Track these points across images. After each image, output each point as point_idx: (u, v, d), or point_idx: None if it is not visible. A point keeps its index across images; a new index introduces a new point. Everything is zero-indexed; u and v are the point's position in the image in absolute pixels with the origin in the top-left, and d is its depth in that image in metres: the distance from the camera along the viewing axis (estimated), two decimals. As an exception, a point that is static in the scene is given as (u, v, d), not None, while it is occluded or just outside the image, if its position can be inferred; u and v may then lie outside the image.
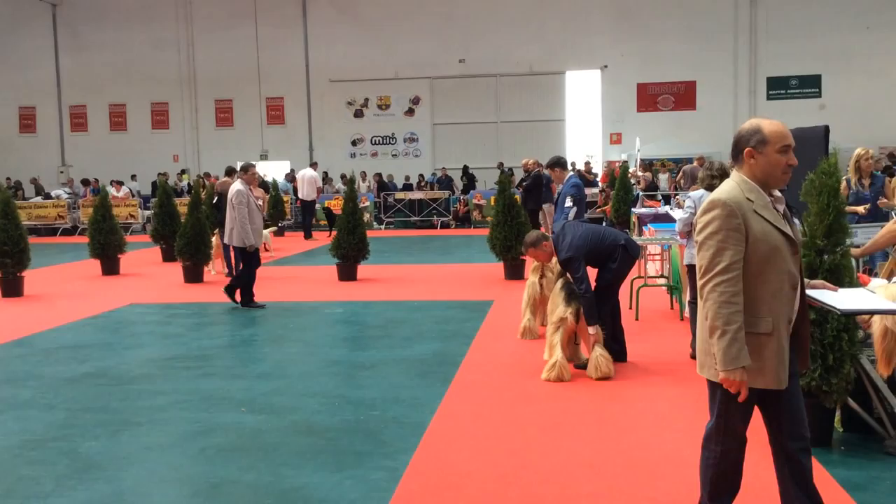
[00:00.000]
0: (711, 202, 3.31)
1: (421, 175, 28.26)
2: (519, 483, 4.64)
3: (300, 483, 4.71)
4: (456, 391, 6.58)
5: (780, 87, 28.02)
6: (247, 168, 11.06)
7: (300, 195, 21.62)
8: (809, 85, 27.80)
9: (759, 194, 3.33)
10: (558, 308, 6.95)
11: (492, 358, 7.71)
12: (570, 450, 5.17)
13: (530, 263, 8.69)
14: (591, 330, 6.81)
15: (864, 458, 4.88)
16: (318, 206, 23.50)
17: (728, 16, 27.87)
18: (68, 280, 14.15)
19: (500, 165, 28.01)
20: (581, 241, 6.99)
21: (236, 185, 10.76)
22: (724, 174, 7.41)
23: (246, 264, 10.80)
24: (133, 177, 28.85)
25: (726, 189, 3.35)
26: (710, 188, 7.28)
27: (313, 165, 23.47)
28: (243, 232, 10.51)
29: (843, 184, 9.60)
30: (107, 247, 14.65)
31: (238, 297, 10.84)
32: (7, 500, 4.58)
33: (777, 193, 3.42)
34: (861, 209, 8.98)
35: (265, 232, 17.38)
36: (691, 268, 7.36)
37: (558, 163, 10.41)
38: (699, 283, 3.34)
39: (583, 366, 7.01)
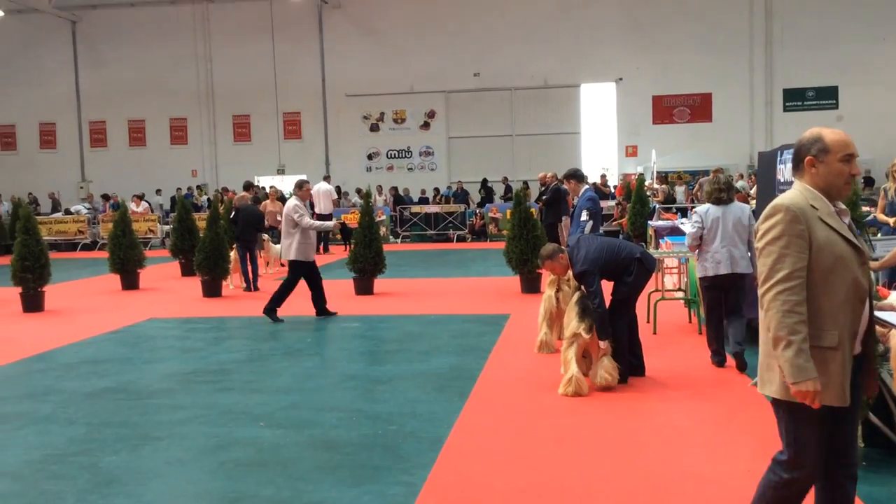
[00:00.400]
0: (774, 207, 3.18)
1: (436, 189, 28.34)
2: (537, 498, 4.63)
3: (318, 498, 4.73)
4: (473, 406, 6.58)
5: (796, 98, 27.93)
6: (301, 185, 11.44)
7: (316, 209, 21.57)
8: (826, 96, 27.70)
9: (823, 202, 3.20)
10: (572, 323, 6.94)
11: (509, 372, 7.70)
12: (589, 465, 5.16)
13: (547, 277, 8.68)
14: (601, 344, 6.79)
15: (886, 474, 4.83)
16: (334, 219, 23.56)
17: (743, 27, 27.84)
18: (88, 295, 14.27)
19: (505, 180, 28.08)
20: (596, 255, 6.98)
21: (293, 201, 10.99)
22: (730, 188, 7.62)
23: (298, 280, 10.90)
24: (158, 191, 29.05)
25: (789, 195, 3.24)
26: (718, 202, 7.46)
27: (326, 179, 23.32)
28: (307, 247, 10.83)
29: (882, 193, 9.52)
30: (126, 262, 14.78)
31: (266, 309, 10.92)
32: (29, 515, 4.63)
33: (842, 206, 3.29)
34: (892, 221, 8.86)
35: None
36: (701, 280, 7.59)
37: (574, 175, 10.53)
38: (760, 291, 3.19)
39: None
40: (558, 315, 8.34)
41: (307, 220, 10.79)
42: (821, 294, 3.13)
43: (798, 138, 3.35)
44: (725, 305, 7.46)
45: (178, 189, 28.29)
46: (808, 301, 3.11)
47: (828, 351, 3.14)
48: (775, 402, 3.27)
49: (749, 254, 7.30)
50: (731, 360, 7.50)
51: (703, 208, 7.58)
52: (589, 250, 7.01)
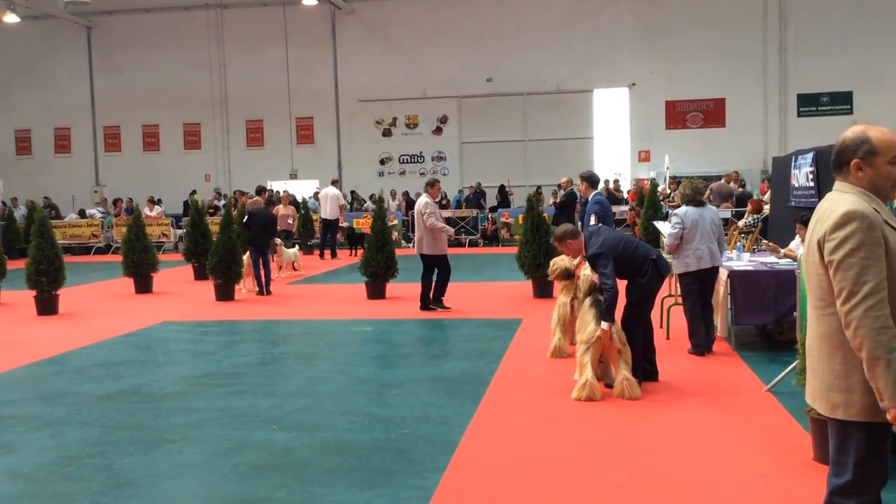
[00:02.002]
0: (847, 215, 2.91)
1: (444, 193, 28.28)
2: (550, 503, 4.62)
3: (331, 501, 4.73)
4: (486, 410, 6.57)
5: (810, 103, 27.78)
6: (433, 183, 11.92)
7: (323, 214, 21.46)
8: (841, 101, 27.54)
9: (881, 206, 3.00)
10: (588, 326, 6.92)
11: (521, 377, 7.69)
12: (602, 470, 5.14)
13: (559, 284, 8.67)
14: (603, 325, 6.75)
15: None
16: (345, 224, 23.59)
17: (757, 32, 27.74)
18: (102, 298, 14.35)
19: (502, 188, 28.02)
20: (613, 243, 7.01)
21: (423, 199, 11.66)
22: (702, 192, 8.53)
23: (441, 271, 11.75)
24: (193, 192, 28.90)
25: (853, 200, 2.97)
26: (697, 204, 8.31)
27: (335, 183, 22.74)
28: (436, 241, 11.54)
29: None
30: (140, 265, 14.86)
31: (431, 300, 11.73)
32: (43, 516, 4.65)
33: (887, 209, 3.07)
34: None
35: (294, 250, 17.56)
36: (679, 276, 8.35)
37: (589, 178, 10.95)
38: (844, 308, 2.89)
39: (613, 385, 6.97)
40: (572, 321, 8.32)
41: (431, 221, 11.39)
42: (894, 303, 2.90)
43: (841, 137, 3.14)
44: (702, 298, 8.18)
45: (193, 192, 28.32)
46: None
47: None
48: (843, 429, 3.03)
49: (720, 250, 8.23)
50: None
51: (682, 210, 8.30)
52: (607, 238, 7.05)
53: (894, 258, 2.92)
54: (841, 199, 3.03)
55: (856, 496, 3.05)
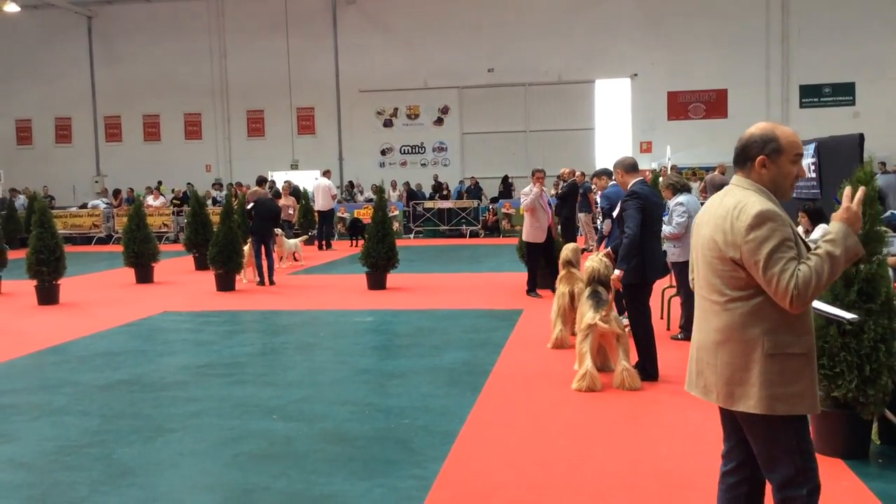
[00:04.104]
0: (761, 216, 2.95)
1: (445, 184, 28.26)
2: (549, 493, 4.62)
3: (331, 490, 4.73)
4: (486, 400, 6.57)
5: (813, 94, 27.71)
6: (534, 173, 12.23)
7: (315, 206, 21.40)
8: (843, 93, 27.46)
9: (779, 204, 3.07)
10: (586, 315, 6.91)
11: (522, 367, 7.69)
12: (601, 460, 5.14)
13: (560, 277, 8.67)
14: (616, 272, 6.79)
15: (901, 472, 4.79)
16: (346, 215, 23.57)
17: (760, 23, 27.64)
18: (103, 288, 14.35)
19: (506, 178, 27.99)
20: (653, 200, 7.07)
21: (529, 187, 11.91)
22: (685, 180, 8.74)
23: (528, 258, 12.05)
24: (217, 184, 28.82)
25: (758, 199, 3.02)
26: (689, 191, 8.56)
27: (326, 174, 22.70)
28: (531, 228, 11.71)
29: None
30: (141, 255, 14.86)
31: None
32: (43, 505, 4.66)
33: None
34: None
35: (296, 241, 17.55)
36: (675, 265, 8.40)
37: (604, 172, 10.73)
38: (785, 302, 2.91)
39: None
40: (572, 312, 8.33)
41: (524, 201, 11.75)
42: None
43: (748, 132, 3.15)
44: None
45: (189, 184, 28.30)
46: (779, 307, 2.97)
47: (801, 358, 3.04)
48: (754, 419, 3.07)
49: None
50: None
51: (684, 198, 8.37)
52: (650, 194, 7.09)
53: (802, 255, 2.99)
54: (747, 198, 3.05)
55: (804, 483, 3.07)
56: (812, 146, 10.29)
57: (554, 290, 11.14)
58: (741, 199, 3.05)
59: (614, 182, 10.59)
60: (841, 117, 26.03)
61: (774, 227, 2.94)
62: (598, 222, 11.38)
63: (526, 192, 11.80)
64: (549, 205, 11.88)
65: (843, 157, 9.22)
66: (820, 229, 8.24)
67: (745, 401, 3.06)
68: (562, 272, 8.56)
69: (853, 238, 2.96)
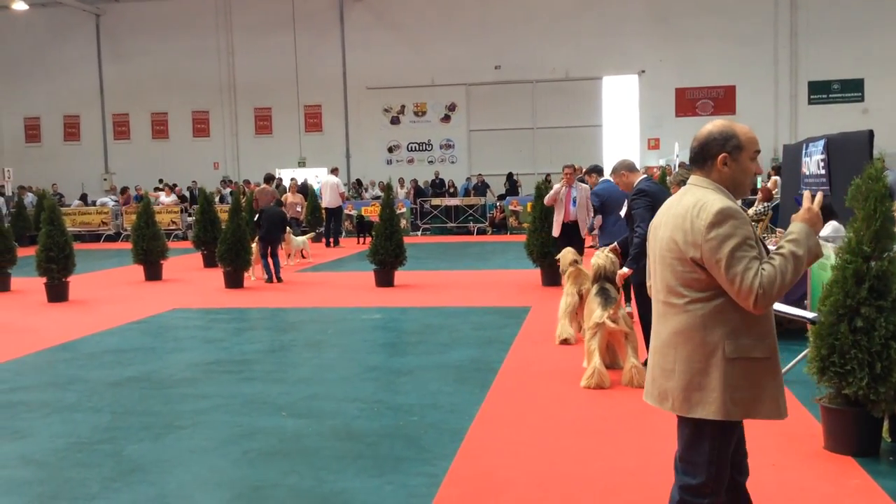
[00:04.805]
0: (721, 213, 2.89)
1: (451, 181, 28.27)
2: (559, 490, 4.62)
3: (340, 487, 4.74)
4: (494, 397, 6.57)
5: (821, 91, 27.61)
6: (593, 170, 12.16)
7: (323, 203, 21.43)
8: (852, 89, 27.36)
9: (737, 203, 3.03)
10: (595, 313, 6.91)
11: (530, 364, 7.69)
12: (611, 457, 5.13)
13: (566, 275, 8.66)
14: (625, 269, 6.81)
15: (912, 469, 4.77)
16: (354, 212, 23.59)
17: (768, 19, 27.54)
18: (112, 285, 14.40)
19: (510, 176, 28.01)
20: (657, 190, 6.96)
21: (583, 186, 11.92)
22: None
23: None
24: (224, 182, 28.81)
25: (717, 197, 2.97)
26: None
27: (334, 171, 22.74)
28: (554, 224, 11.83)
29: None
30: (150, 253, 14.90)
31: None
32: (55, 502, 4.67)
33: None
34: None
35: (304, 238, 17.58)
36: None
37: (594, 170, 10.91)
38: (748, 302, 2.86)
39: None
40: (580, 310, 8.30)
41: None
42: None
43: (706, 130, 3.10)
44: None
45: (194, 181, 28.34)
46: (742, 308, 2.92)
47: (763, 362, 2.98)
48: (699, 424, 3.02)
49: None
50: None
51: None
52: (658, 191, 6.99)
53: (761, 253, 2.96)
54: (706, 196, 3.00)
55: (708, 496, 3.07)
56: (821, 143, 10.24)
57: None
58: (700, 198, 2.99)
59: (604, 179, 10.68)
60: (850, 114, 25.93)
61: (736, 225, 2.88)
62: (590, 218, 11.44)
63: (585, 196, 11.91)
64: (574, 202, 11.76)
65: (852, 153, 9.17)
66: (829, 226, 8.20)
67: (704, 406, 2.99)
68: (569, 270, 8.52)
69: (814, 239, 2.95)
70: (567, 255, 8.70)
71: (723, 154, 3.04)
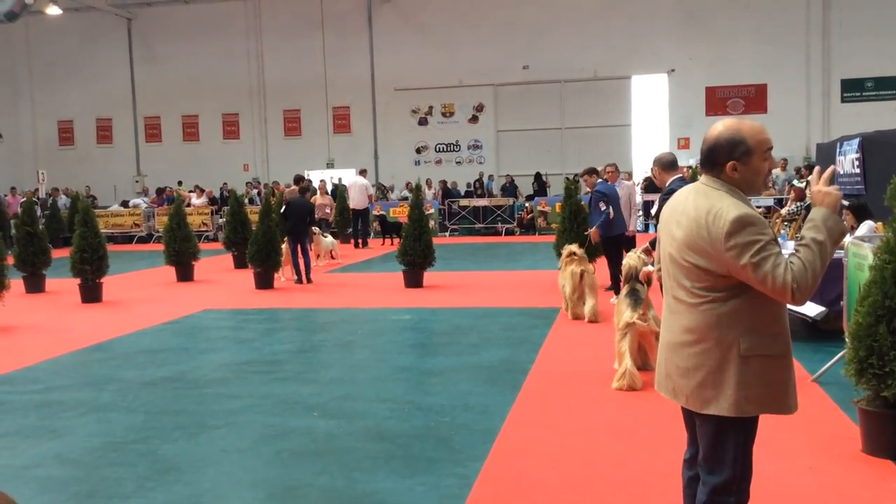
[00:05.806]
0: (739, 221, 2.85)
1: (479, 181, 28.23)
2: (591, 492, 4.59)
3: (372, 488, 4.75)
4: (525, 398, 6.55)
5: (855, 89, 27.20)
6: (593, 171, 12.28)
7: (351, 204, 21.50)
8: (886, 87, 26.93)
9: (749, 202, 3.02)
10: (625, 314, 6.86)
11: (561, 365, 7.65)
12: (643, 459, 5.09)
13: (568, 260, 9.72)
14: (650, 268, 6.86)
15: (954, 473, 4.68)
16: (382, 213, 23.65)
17: (800, 16, 27.20)
18: (145, 286, 14.57)
19: (538, 175, 27.96)
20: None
21: (626, 183, 12.42)
22: None
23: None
24: (251, 183, 29.01)
25: (732, 202, 2.94)
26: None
27: (362, 173, 22.80)
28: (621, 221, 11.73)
29: None
30: (181, 254, 15.05)
31: None
32: (91, 500, 4.73)
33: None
34: None
35: (331, 239, 17.66)
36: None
37: (592, 171, 11.51)
38: (786, 300, 2.85)
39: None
40: (580, 289, 9.62)
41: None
42: (770, 300, 2.93)
43: (715, 134, 3.05)
44: None
45: (224, 183, 28.57)
46: (758, 307, 2.93)
47: (777, 359, 2.99)
48: (722, 421, 3.03)
49: None
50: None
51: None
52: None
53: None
54: (721, 201, 2.96)
55: (735, 493, 3.08)
56: (856, 141, 10.10)
57: (616, 291, 11.42)
58: (715, 204, 2.95)
59: (601, 181, 11.09)
60: (885, 112, 25.52)
61: (754, 231, 2.86)
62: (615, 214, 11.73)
63: (627, 194, 12.28)
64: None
65: (890, 152, 9.03)
66: (865, 226, 8.08)
67: (718, 404, 3.00)
68: (568, 256, 9.67)
69: (833, 218, 2.92)
70: (568, 249, 9.84)
71: (731, 162, 3.01)
